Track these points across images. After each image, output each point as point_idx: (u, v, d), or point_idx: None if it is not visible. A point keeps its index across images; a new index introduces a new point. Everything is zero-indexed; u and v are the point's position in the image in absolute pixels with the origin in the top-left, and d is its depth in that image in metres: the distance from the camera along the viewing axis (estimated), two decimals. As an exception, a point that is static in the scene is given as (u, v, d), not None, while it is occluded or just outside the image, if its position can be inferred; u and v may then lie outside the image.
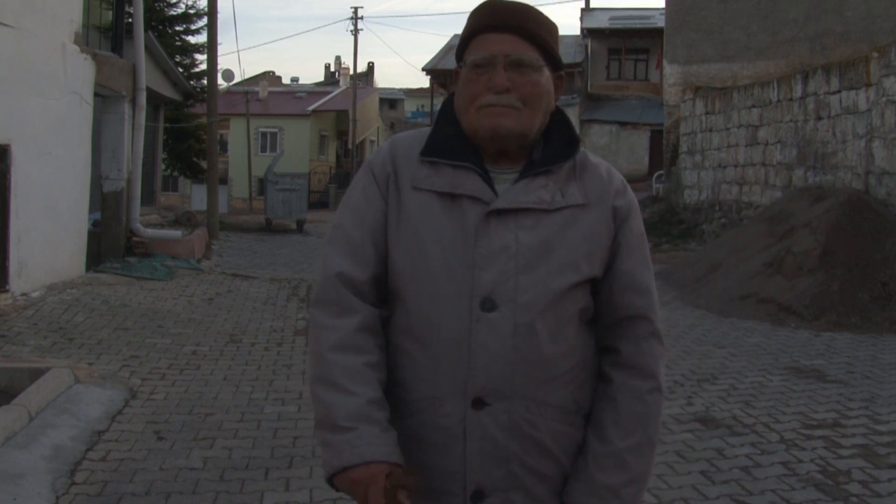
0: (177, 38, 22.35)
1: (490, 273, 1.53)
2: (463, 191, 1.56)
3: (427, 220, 1.56)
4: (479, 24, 1.58)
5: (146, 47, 11.85)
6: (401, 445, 1.54)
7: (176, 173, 26.15)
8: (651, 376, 1.62)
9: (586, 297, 1.62)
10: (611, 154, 27.22)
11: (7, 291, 7.83)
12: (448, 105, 1.67)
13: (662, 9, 22.13)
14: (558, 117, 1.64)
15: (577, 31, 32.31)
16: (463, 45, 1.61)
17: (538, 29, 1.57)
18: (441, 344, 1.54)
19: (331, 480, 1.51)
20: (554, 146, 1.62)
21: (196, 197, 32.53)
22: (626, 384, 1.61)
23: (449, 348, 1.54)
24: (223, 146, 34.54)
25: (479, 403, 1.53)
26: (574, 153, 1.62)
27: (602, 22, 31.48)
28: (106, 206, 11.10)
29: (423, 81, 49.02)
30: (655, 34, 27.86)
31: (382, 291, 1.62)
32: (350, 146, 39.04)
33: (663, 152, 20.31)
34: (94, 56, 9.98)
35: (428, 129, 1.68)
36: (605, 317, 1.65)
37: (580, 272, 1.57)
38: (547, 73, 1.58)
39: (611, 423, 1.59)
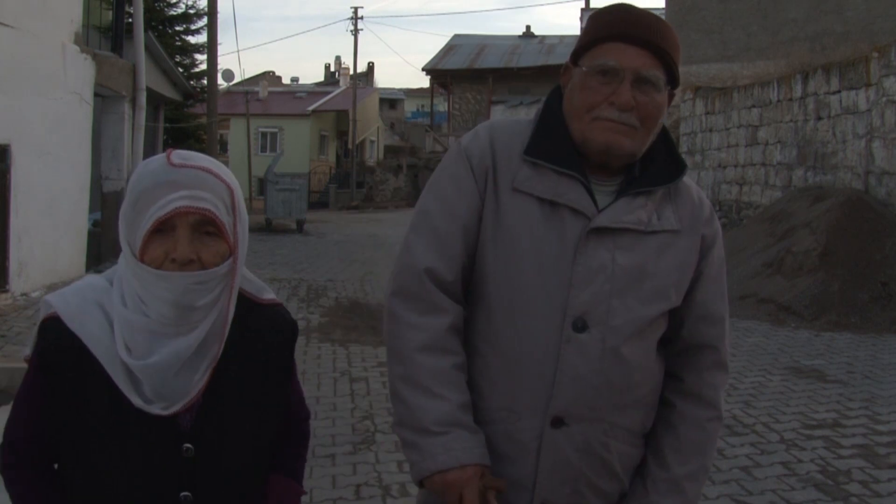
0: (177, 38, 22.37)
1: (586, 293, 1.49)
2: (566, 201, 1.51)
3: (526, 227, 1.51)
4: (610, 29, 1.50)
5: (146, 47, 11.85)
6: None
7: (176, 173, 26.10)
8: (712, 406, 1.62)
9: (666, 324, 1.60)
10: (611, 154, 27.17)
11: (7, 291, 7.84)
12: (553, 101, 1.60)
13: (662, 9, 22.12)
14: (662, 135, 1.58)
15: (577, 32, 32.31)
16: (586, 45, 1.53)
17: (668, 47, 1.50)
18: (526, 358, 1.51)
19: (420, 482, 1.49)
20: (657, 165, 1.56)
21: (196, 197, 32.46)
22: (687, 413, 1.61)
23: (534, 364, 1.50)
24: (223, 146, 34.57)
25: (558, 423, 1.51)
26: (679, 177, 1.57)
27: (602, 22, 31.45)
28: (106, 206, 11.12)
29: (423, 81, 49.06)
30: (655, 34, 27.84)
31: (464, 289, 1.57)
32: (350, 146, 39.04)
33: (663, 152, 20.30)
34: (94, 56, 9.98)
35: (527, 122, 1.61)
36: (673, 343, 1.63)
37: (669, 301, 1.55)
38: (665, 92, 1.51)
39: (671, 450, 1.59)
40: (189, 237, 1.32)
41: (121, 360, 1.32)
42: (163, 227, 1.31)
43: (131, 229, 1.34)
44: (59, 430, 1.37)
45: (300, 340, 7.25)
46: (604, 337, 1.49)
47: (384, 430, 4.70)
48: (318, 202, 33.83)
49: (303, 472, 1.66)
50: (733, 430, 4.83)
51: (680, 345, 1.62)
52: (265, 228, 19.87)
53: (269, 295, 1.54)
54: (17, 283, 8.00)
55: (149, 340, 1.32)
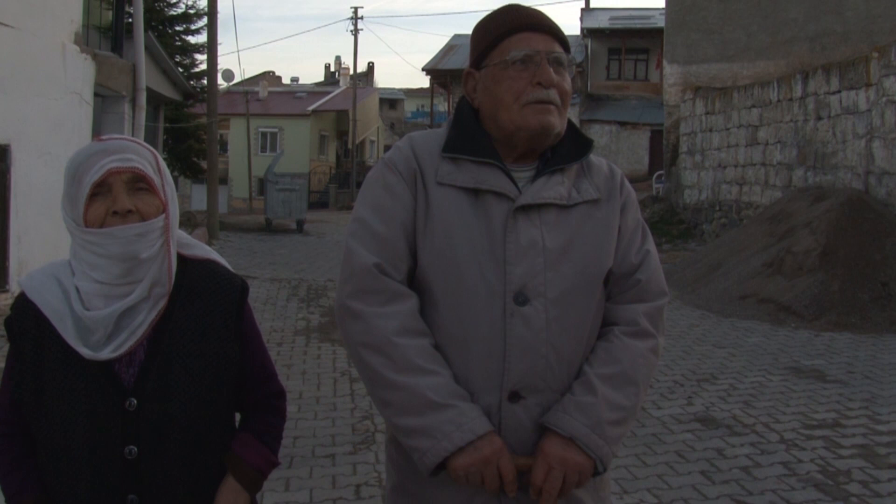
0: (177, 38, 22.36)
1: (521, 268, 1.55)
2: (488, 186, 1.58)
3: (454, 216, 1.57)
4: (512, 24, 1.61)
5: (146, 47, 11.84)
6: None
7: (176, 173, 26.13)
8: (630, 323, 1.62)
9: (604, 287, 1.65)
10: (611, 154, 27.23)
11: (7, 291, 7.84)
12: (464, 105, 1.69)
13: (662, 9, 22.11)
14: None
15: (577, 31, 32.27)
16: (491, 45, 1.62)
17: (562, 31, 1.63)
18: (474, 338, 1.54)
19: (436, 469, 1.47)
20: (566, 145, 1.65)
21: (196, 197, 32.56)
22: (603, 332, 1.64)
23: (483, 343, 1.54)
24: (223, 146, 34.57)
25: (514, 396, 1.54)
26: (588, 152, 1.67)
27: (602, 22, 31.48)
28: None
29: (423, 81, 49.03)
30: (655, 34, 27.87)
31: (409, 286, 1.61)
32: (350, 146, 39.04)
33: (663, 152, 20.32)
34: (94, 56, 9.97)
35: (442, 129, 1.69)
36: (607, 297, 1.68)
37: (602, 265, 1.62)
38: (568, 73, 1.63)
39: (585, 363, 1.61)
40: (125, 193, 1.49)
41: (71, 320, 1.47)
42: (100, 190, 1.48)
43: (74, 203, 1.50)
44: (26, 391, 1.51)
45: (300, 340, 7.27)
46: (545, 308, 1.55)
47: (384, 430, 4.69)
48: (318, 202, 33.82)
49: (275, 442, 1.69)
50: (733, 430, 4.83)
51: (607, 295, 1.67)
52: (265, 228, 19.87)
53: (208, 254, 1.64)
54: (17, 283, 7.99)
55: (98, 301, 1.48)
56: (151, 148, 1.57)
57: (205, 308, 1.57)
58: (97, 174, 1.48)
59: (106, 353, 1.46)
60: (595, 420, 1.51)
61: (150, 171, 1.52)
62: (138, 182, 1.51)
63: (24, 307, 1.54)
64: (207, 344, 1.55)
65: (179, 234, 1.61)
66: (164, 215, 1.52)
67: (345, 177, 38.80)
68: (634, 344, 1.60)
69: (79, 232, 1.50)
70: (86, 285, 1.49)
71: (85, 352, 1.46)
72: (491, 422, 1.52)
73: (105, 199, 1.48)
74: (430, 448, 1.46)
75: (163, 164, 1.57)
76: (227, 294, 1.60)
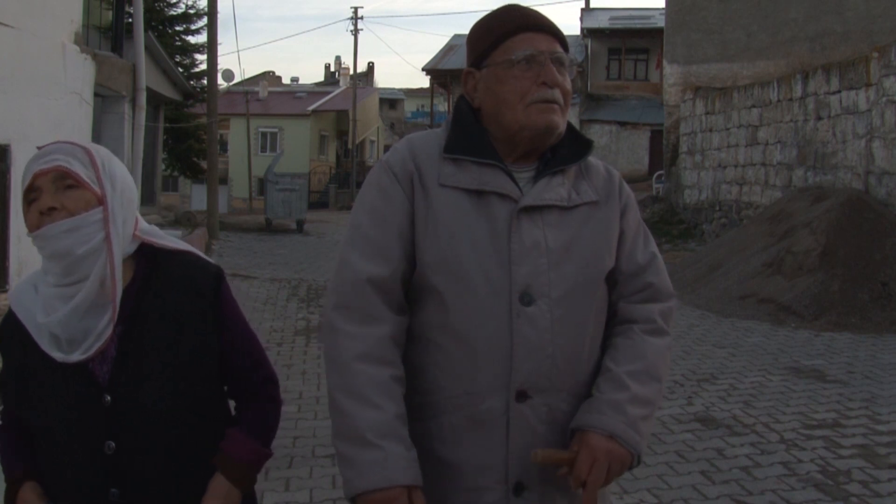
0: (177, 38, 22.40)
1: (525, 268, 1.56)
2: (492, 188, 1.58)
3: (457, 217, 1.56)
4: (515, 24, 1.61)
5: (146, 47, 11.85)
6: (431, 444, 1.56)
7: (176, 173, 26.22)
8: (646, 321, 1.65)
9: (606, 287, 1.66)
10: (611, 154, 27.24)
11: (7, 291, 7.84)
12: (463, 105, 1.68)
13: (662, 9, 22.10)
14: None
15: (577, 31, 32.27)
16: (493, 45, 1.62)
17: (562, 33, 1.64)
18: (481, 338, 1.54)
19: (352, 500, 1.49)
20: (565, 146, 1.66)
21: (196, 197, 32.57)
22: (622, 329, 1.66)
23: (489, 342, 1.54)
24: (223, 146, 34.56)
25: (522, 396, 1.55)
26: (588, 153, 1.67)
27: (602, 22, 31.47)
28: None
29: (423, 81, 49.00)
30: (655, 34, 27.85)
31: (406, 290, 1.60)
32: (350, 146, 39.03)
33: (663, 152, 20.32)
34: (94, 56, 9.97)
35: (441, 130, 1.69)
36: (613, 296, 1.70)
37: (603, 265, 1.63)
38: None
39: (609, 360, 1.62)
40: (52, 192, 1.49)
41: (45, 326, 1.51)
42: (34, 196, 1.50)
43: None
44: (14, 394, 1.57)
45: (300, 340, 7.27)
46: (550, 308, 1.56)
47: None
48: (318, 202, 33.81)
49: (266, 433, 1.67)
50: (733, 430, 4.83)
51: (617, 295, 1.69)
52: (265, 228, 19.88)
53: (181, 245, 1.65)
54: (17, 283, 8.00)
55: (58, 304, 1.50)
56: (90, 145, 1.57)
57: (178, 298, 1.56)
58: (26, 180, 1.51)
59: (76, 356, 1.49)
60: (631, 416, 1.54)
61: (76, 167, 1.50)
62: (65, 180, 1.50)
63: (10, 316, 1.59)
64: (183, 334, 1.55)
65: (149, 227, 1.62)
66: (100, 208, 1.50)
67: (345, 177, 38.79)
68: (654, 341, 1.63)
69: (30, 239, 1.53)
70: (45, 290, 1.52)
71: (58, 355, 1.49)
72: (498, 421, 1.54)
73: (37, 203, 1.50)
74: (350, 479, 1.48)
75: (103, 160, 1.55)
76: (201, 282, 1.59)
